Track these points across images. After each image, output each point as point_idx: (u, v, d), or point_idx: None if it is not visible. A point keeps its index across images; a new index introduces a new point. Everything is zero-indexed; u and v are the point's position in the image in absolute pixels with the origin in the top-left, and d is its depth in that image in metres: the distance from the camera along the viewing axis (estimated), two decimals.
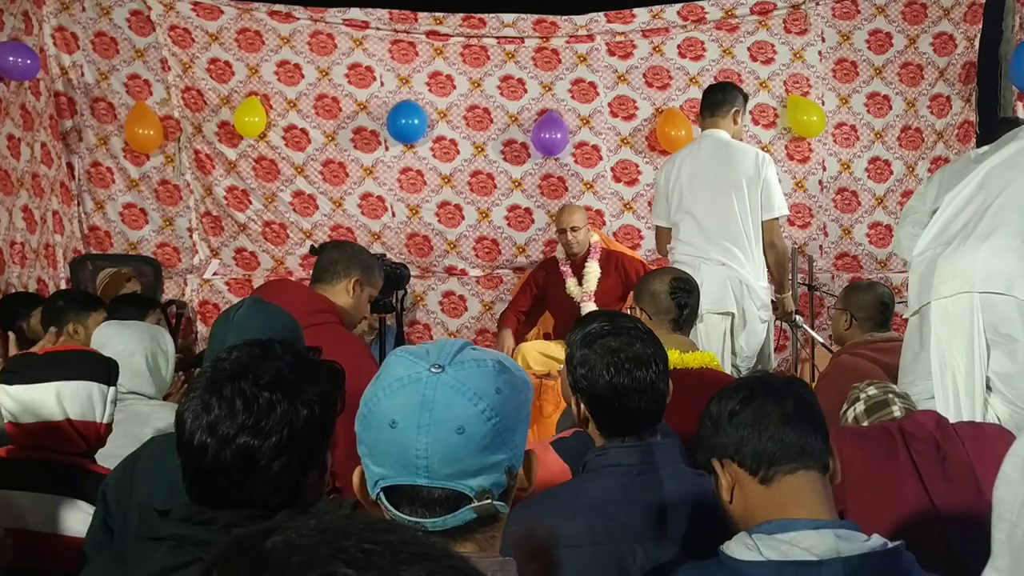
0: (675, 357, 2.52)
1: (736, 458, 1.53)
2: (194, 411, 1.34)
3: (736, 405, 1.55)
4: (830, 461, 1.54)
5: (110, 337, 2.90)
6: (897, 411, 2.32)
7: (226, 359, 1.39)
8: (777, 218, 4.15)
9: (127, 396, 2.77)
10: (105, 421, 2.30)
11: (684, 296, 2.81)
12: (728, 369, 4.08)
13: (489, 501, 1.10)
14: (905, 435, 2.11)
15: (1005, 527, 0.86)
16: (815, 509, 1.48)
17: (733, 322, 4.06)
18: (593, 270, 5.16)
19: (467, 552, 1.11)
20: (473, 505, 1.09)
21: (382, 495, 1.12)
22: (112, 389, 2.31)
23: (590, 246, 5.20)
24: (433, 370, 1.10)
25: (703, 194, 4.09)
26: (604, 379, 1.83)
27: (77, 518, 2.15)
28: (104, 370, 2.32)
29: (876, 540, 1.44)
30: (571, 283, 5.18)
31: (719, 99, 4.25)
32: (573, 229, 5.11)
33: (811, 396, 1.61)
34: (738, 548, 1.45)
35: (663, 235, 4.26)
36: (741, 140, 4.32)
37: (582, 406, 1.89)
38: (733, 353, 4.11)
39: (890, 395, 2.40)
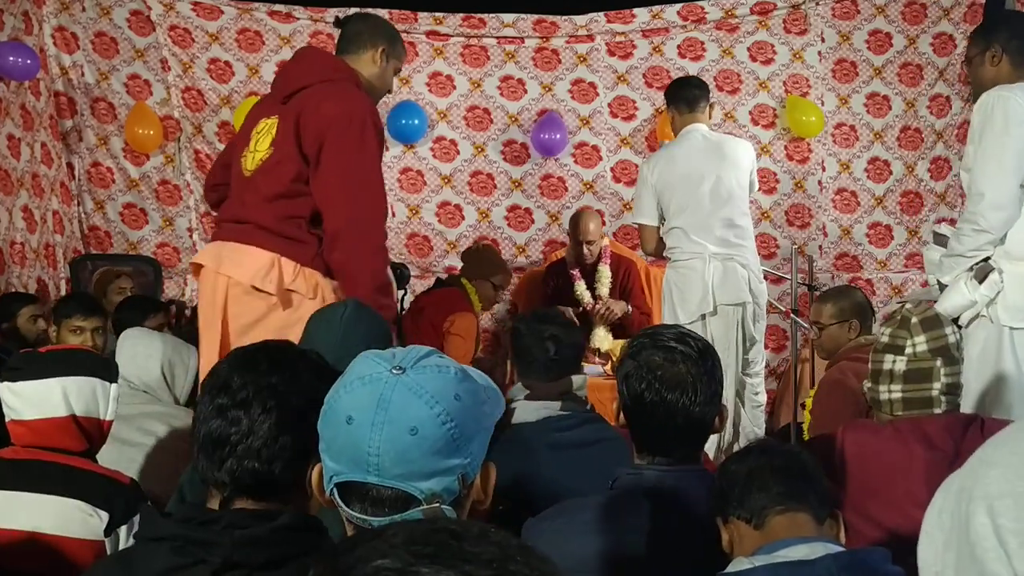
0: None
1: (735, 513, 1.65)
2: (205, 414, 1.39)
3: (734, 466, 1.69)
4: (826, 516, 1.65)
5: (132, 337, 3.03)
6: (938, 385, 2.15)
7: (224, 361, 1.44)
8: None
9: (140, 393, 2.87)
10: (108, 418, 2.30)
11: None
12: (737, 361, 4.10)
13: (438, 505, 1.10)
14: (925, 444, 2.06)
15: None
16: (805, 534, 1.60)
17: (744, 312, 4.09)
18: (605, 274, 5.14)
19: None
20: (421, 508, 1.09)
21: (335, 491, 1.13)
22: (114, 386, 2.32)
23: (601, 250, 5.20)
24: (394, 371, 1.12)
25: (703, 192, 4.09)
26: (636, 391, 1.79)
27: (77, 519, 2.15)
28: (106, 367, 2.34)
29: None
30: (580, 287, 5.16)
31: (697, 95, 4.25)
32: (589, 242, 5.09)
33: (804, 455, 1.73)
34: (734, 567, 1.57)
35: (650, 233, 4.26)
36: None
37: (621, 414, 1.88)
38: (744, 347, 4.13)
39: (935, 388, 2.15)
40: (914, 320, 2.15)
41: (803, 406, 4.12)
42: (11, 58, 5.11)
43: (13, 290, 4.98)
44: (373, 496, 1.10)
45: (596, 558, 1.72)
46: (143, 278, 5.42)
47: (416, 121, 5.78)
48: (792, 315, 4.62)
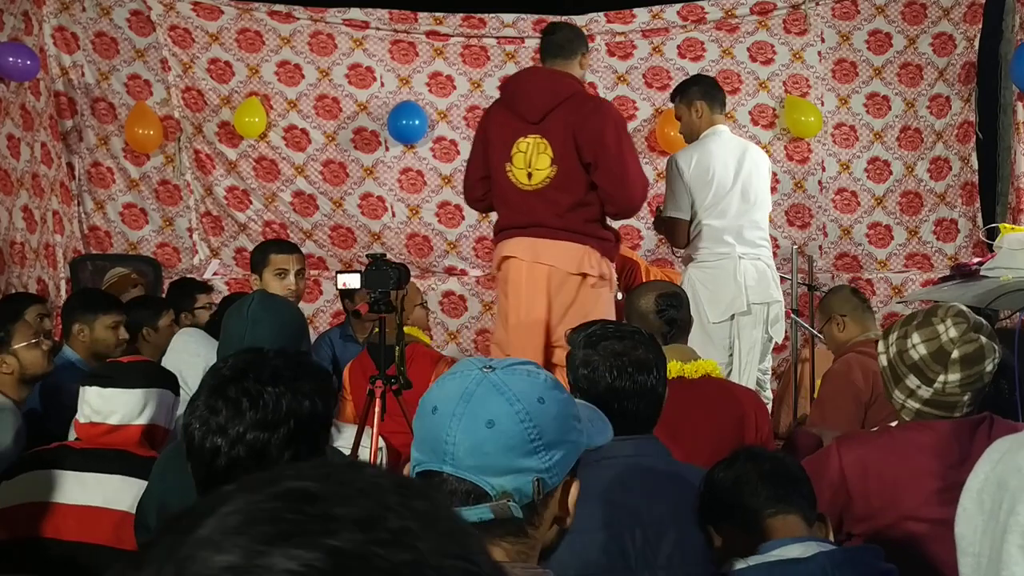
0: (675, 367, 2.53)
1: (727, 520, 1.67)
2: (201, 417, 1.40)
3: (722, 473, 1.72)
4: (815, 519, 1.68)
5: (190, 335, 3.18)
6: (959, 413, 2.04)
7: (223, 366, 1.46)
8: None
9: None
10: (172, 427, 2.50)
11: (672, 311, 2.79)
12: (760, 359, 4.10)
13: (505, 502, 1.09)
14: (926, 455, 1.99)
15: (970, 561, 0.87)
16: (797, 535, 1.62)
17: (769, 312, 4.10)
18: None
19: (499, 559, 1.11)
20: (490, 504, 1.09)
21: None
22: (178, 398, 2.51)
23: None
24: (484, 370, 1.15)
25: (734, 193, 4.10)
26: (606, 381, 1.86)
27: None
28: (175, 380, 2.54)
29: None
30: None
31: (724, 97, 4.26)
32: None
33: (789, 460, 1.77)
34: (729, 568, 1.60)
35: (684, 227, 4.15)
36: None
37: None
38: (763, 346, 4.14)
39: (961, 396, 2.01)
40: (955, 355, 1.94)
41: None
42: (11, 58, 5.11)
43: (13, 290, 4.99)
44: (447, 488, 1.11)
45: (579, 522, 1.76)
46: (143, 278, 5.41)
47: (416, 121, 5.78)
48: (792, 315, 4.62)
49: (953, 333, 1.95)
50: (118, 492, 2.28)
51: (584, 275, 3.50)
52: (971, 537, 0.85)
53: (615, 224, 3.79)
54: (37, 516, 2.26)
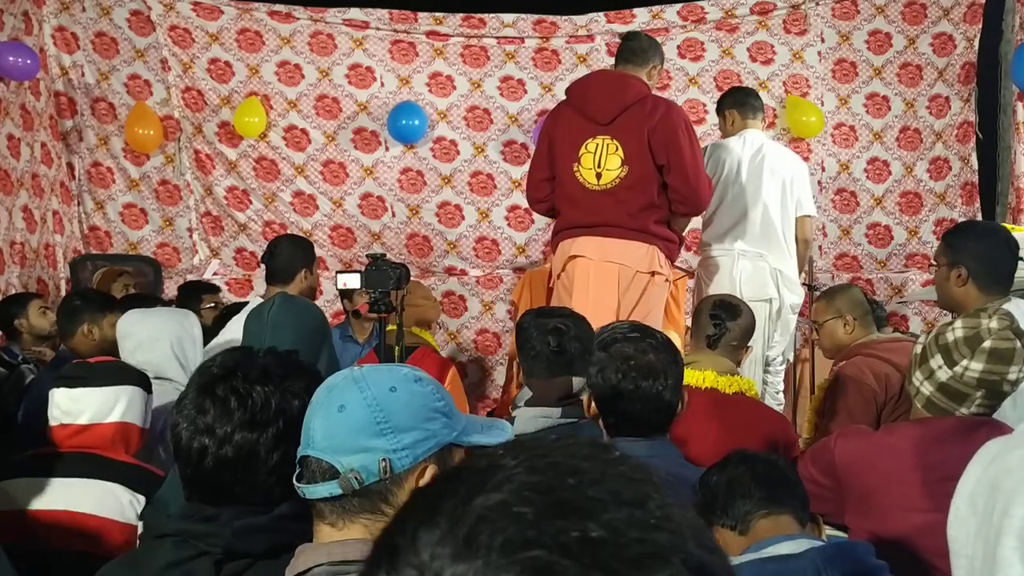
0: (710, 377, 2.60)
1: (720, 522, 1.69)
2: (188, 416, 1.39)
3: (715, 476, 1.74)
4: (808, 519, 1.71)
5: (134, 323, 3.03)
6: (966, 411, 2.02)
7: (212, 364, 1.45)
8: (807, 216, 4.38)
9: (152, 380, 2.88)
10: (147, 426, 2.48)
11: (722, 318, 2.79)
12: (761, 357, 4.11)
13: (352, 477, 1.20)
14: (918, 452, 1.99)
15: (963, 563, 0.88)
16: (789, 534, 1.64)
17: (771, 308, 4.12)
18: None
19: (356, 536, 1.20)
20: (338, 480, 1.21)
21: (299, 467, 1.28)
22: (151, 396, 2.50)
23: None
24: (355, 369, 1.28)
25: (742, 192, 4.19)
26: (611, 382, 1.91)
27: (116, 501, 2.27)
28: (146, 379, 2.52)
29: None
30: None
31: (759, 105, 4.41)
32: None
33: (782, 462, 1.80)
34: None
35: None
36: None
37: (592, 403, 1.99)
38: (764, 343, 4.15)
39: (976, 393, 1.99)
40: (986, 344, 1.93)
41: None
42: (11, 58, 5.11)
43: (13, 290, 4.99)
44: (308, 468, 1.24)
45: None
46: (143, 278, 5.42)
47: (416, 121, 5.79)
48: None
49: (994, 325, 1.97)
50: (84, 496, 2.24)
51: (653, 273, 3.59)
52: (964, 539, 0.85)
53: None
54: (6, 525, 2.23)
